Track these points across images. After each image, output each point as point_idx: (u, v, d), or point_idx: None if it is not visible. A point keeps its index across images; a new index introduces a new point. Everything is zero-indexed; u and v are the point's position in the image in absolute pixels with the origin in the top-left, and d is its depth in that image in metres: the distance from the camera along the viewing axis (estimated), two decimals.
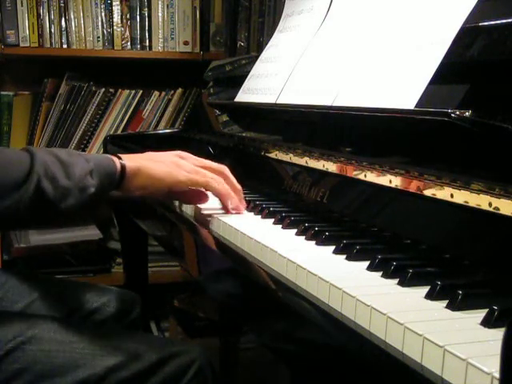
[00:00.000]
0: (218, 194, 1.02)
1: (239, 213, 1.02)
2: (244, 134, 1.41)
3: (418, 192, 0.80)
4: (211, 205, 1.05)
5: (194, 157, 1.06)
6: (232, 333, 1.94)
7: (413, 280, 0.67)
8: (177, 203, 1.15)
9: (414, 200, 0.81)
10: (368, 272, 0.72)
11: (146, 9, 2.24)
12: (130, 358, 0.93)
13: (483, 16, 0.83)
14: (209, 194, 1.05)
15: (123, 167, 0.97)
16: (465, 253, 0.73)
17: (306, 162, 1.06)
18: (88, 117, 2.22)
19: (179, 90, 2.29)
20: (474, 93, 0.79)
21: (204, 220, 1.03)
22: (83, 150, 2.22)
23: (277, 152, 1.17)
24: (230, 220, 0.96)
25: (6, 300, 1.13)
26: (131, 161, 0.99)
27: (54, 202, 0.88)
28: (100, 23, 2.21)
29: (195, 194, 1.06)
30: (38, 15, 2.14)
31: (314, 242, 0.85)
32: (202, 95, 1.84)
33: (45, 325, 0.94)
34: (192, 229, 1.05)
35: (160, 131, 2.12)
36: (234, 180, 1.04)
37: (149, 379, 0.93)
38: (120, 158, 0.98)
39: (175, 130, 2.00)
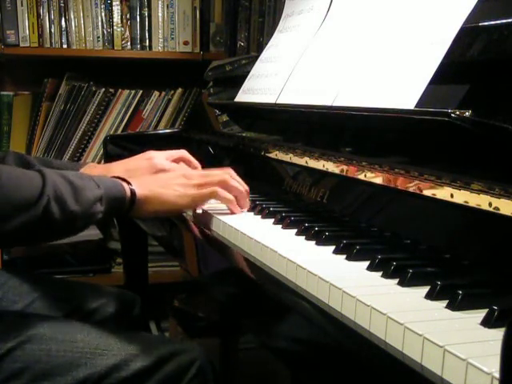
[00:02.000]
0: (225, 203, 1.04)
1: (242, 210, 1.05)
2: (244, 134, 1.41)
3: (418, 192, 0.80)
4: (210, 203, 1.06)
5: (198, 173, 1.09)
6: (232, 333, 1.94)
7: (413, 280, 0.67)
8: None
9: (413, 200, 0.81)
10: (368, 272, 0.73)
11: (146, 9, 2.24)
12: (130, 357, 0.93)
13: (483, 16, 0.83)
14: None
15: (133, 194, 0.98)
16: (465, 253, 0.73)
17: (306, 162, 1.06)
18: (88, 117, 2.22)
19: (179, 90, 2.28)
20: (474, 93, 0.79)
21: (204, 220, 1.03)
22: (83, 151, 2.23)
23: (277, 152, 1.17)
24: (230, 220, 0.96)
25: (6, 300, 1.13)
26: (141, 187, 0.99)
27: (60, 225, 0.89)
28: (100, 23, 2.21)
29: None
30: (38, 15, 2.14)
31: (313, 242, 0.85)
32: (202, 95, 1.84)
33: (45, 324, 0.94)
34: (192, 228, 1.05)
35: (160, 131, 2.12)
36: (238, 181, 1.06)
37: (149, 379, 0.93)
38: (129, 183, 0.99)
39: (175, 129, 2.00)
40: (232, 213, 1.03)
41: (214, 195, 1.02)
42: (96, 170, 1.14)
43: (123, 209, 0.98)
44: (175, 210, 1.04)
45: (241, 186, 1.05)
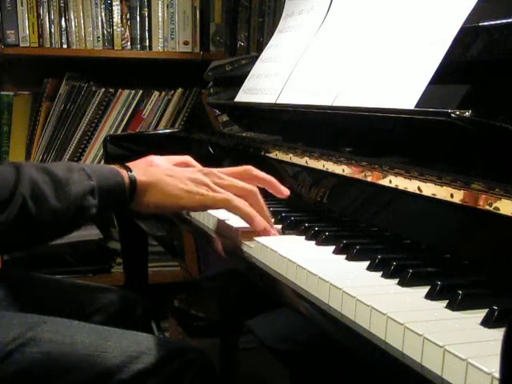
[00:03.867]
0: (240, 215, 0.90)
1: (268, 234, 0.88)
2: (244, 134, 1.41)
3: (418, 192, 0.80)
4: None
5: (219, 174, 0.94)
6: (232, 333, 1.94)
7: (413, 280, 0.67)
8: None
9: (413, 200, 0.81)
10: (368, 272, 0.73)
11: (146, 9, 2.24)
12: (130, 359, 0.92)
13: (483, 16, 0.83)
14: None
15: (133, 181, 0.87)
16: (465, 253, 0.73)
17: (306, 162, 1.06)
18: (88, 117, 2.22)
19: (179, 90, 2.28)
20: (474, 93, 0.79)
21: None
22: (83, 151, 2.22)
23: (277, 152, 1.17)
24: (230, 220, 0.96)
25: (6, 300, 1.12)
26: (143, 173, 0.89)
27: (44, 226, 0.80)
28: (100, 23, 2.21)
29: None
30: (38, 15, 2.14)
31: (314, 242, 0.85)
32: (202, 95, 1.84)
33: (44, 326, 0.93)
34: (191, 228, 1.05)
35: (160, 131, 2.12)
36: (261, 200, 0.93)
37: (149, 380, 0.93)
38: (130, 170, 0.88)
39: (175, 130, 2.00)
40: (254, 229, 0.88)
41: (226, 204, 0.89)
42: None
43: (124, 199, 0.87)
44: (178, 206, 0.92)
45: (264, 206, 0.92)
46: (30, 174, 0.79)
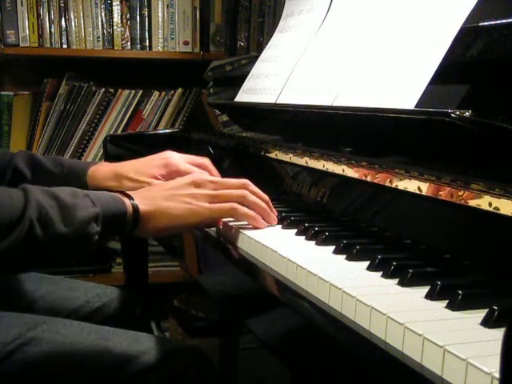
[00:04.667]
0: (246, 220, 0.93)
1: (271, 225, 0.95)
2: (244, 134, 1.40)
3: (418, 192, 0.80)
4: None
5: (210, 178, 0.95)
6: (232, 333, 1.94)
7: (413, 280, 0.67)
8: None
9: (413, 200, 0.81)
10: (368, 272, 0.73)
11: (146, 9, 2.24)
12: (130, 358, 0.93)
13: (483, 16, 0.83)
14: None
15: (136, 210, 0.87)
16: (465, 253, 0.73)
17: (306, 162, 1.06)
18: (88, 117, 2.21)
19: (179, 90, 2.28)
20: (474, 93, 0.79)
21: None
22: (83, 151, 2.22)
23: (277, 152, 1.17)
24: (229, 220, 0.96)
25: (6, 300, 1.12)
26: (145, 202, 0.89)
27: (49, 250, 0.79)
28: (100, 23, 2.21)
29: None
30: (38, 15, 2.14)
31: (314, 242, 0.85)
32: (202, 95, 1.84)
33: (45, 326, 0.94)
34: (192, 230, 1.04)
35: (160, 131, 2.12)
36: (260, 192, 0.96)
37: (149, 380, 0.93)
38: (131, 198, 0.88)
39: (175, 129, 2.00)
40: (255, 228, 0.92)
41: (233, 213, 0.92)
42: (106, 169, 1.10)
43: (125, 227, 0.87)
44: (185, 226, 0.92)
45: (261, 201, 0.94)
46: (37, 198, 0.79)
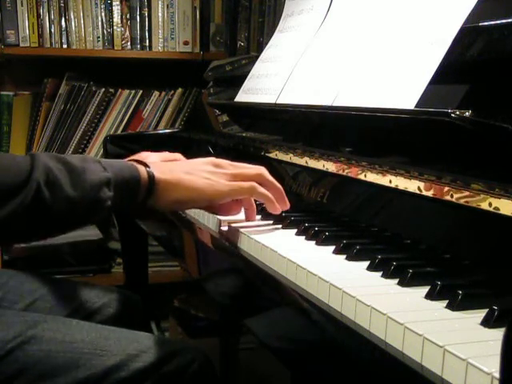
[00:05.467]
0: (264, 200, 0.93)
1: (285, 209, 0.95)
2: (244, 134, 1.41)
3: (418, 192, 0.80)
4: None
5: (229, 162, 0.95)
6: (232, 333, 1.94)
7: (413, 280, 0.67)
8: None
9: (414, 200, 0.81)
10: (368, 272, 0.72)
11: (146, 9, 2.24)
12: (129, 357, 0.93)
13: (483, 16, 0.83)
14: None
15: (151, 177, 0.85)
16: (465, 253, 0.73)
17: (306, 162, 1.06)
18: (88, 117, 2.22)
19: (179, 90, 2.29)
20: (474, 93, 0.79)
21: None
22: (83, 151, 2.22)
23: (277, 152, 1.17)
24: (229, 219, 0.96)
25: (6, 300, 1.13)
26: (161, 171, 0.87)
27: (58, 214, 0.77)
28: (100, 23, 2.21)
29: (232, 206, 0.95)
30: (38, 15, 2.14)
31: (314, 242, 0.85)
32: (202, 95, 1.84)
33: (45, 325, 0.94)
34: (192, 229, 1.05)
35: (160, 131, 2.12)
36: (274, 180, 0.95)
37: (148, 379, 0.93)
38: (147, 166, 0.86)
39: (175, 129, 2.00)
40: (272, 212, 0.93)
41: (252, 191, 0.90)
42: None
43: (139, 195, 0.85)
44: (202, 200, 0.89)
45: (277, 183, 0.95)
46: (45, 162, 0.77)
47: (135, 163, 0.86)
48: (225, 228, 0.96)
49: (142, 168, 0.85)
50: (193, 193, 0.88)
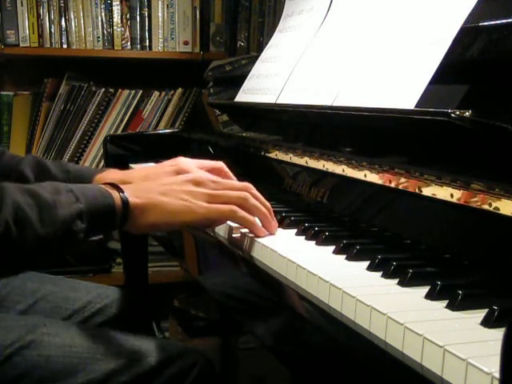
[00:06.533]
0: (245, 225, 0.88)
1: (271, 234, 0.89)
2: (244, 134, 1.41)
3: (418, 192, 0.80)
4: None
5: (212, 178, 0.90)
6: (232, 333, 1.94)
7: (413, 280, 0.67)
8: None
9: (414, 200, 0.81)
10: (368, 272, 0.73)
11: (146, 9, 2.24)
12: (130, 361, 0.92)
13: (483, 16, 0.83)
14: None
15: (125, 203, 0.82)
16: (465, 253, 0.73)
17: (306, 162, 1.06)
18: (88, 117, 2.22)
19: (179, 90, 2.29)
20: (474, 93, 0.79)
21: None
22: (83, 151, 2.22)
23: (277, 152, 1.17)
24: (228, 222, 0.96)
25: (8, 301, 1.12)
26: (136, 194, 0.84)
27: (29, 252, 0.75)
28: (100, 23, 2.21)
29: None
30: (38, 15, 2.14)
31: (314, 242, 0.85)
32: (202, 95, 1.84)
33: (44, 329, 0.93)
34: (192, 231, 1.04)
35: (160, 131, 2.12)
36: (262, 198, 0.91)
37: (151, 382, 0.93)
38: (121, 191, 0.83)
39: (175, 129, 2.00)
40: (255, 236, 0.87)
41: (231, 215, 0.86)
42: (112, 176, 1.05)
43: (114, 222, 0.83)
44: (180, 222, 0.86)
45: (262, 205, 0.89)
46: (14, 197, 0.74)
47: (109, 188, 0.83)
48: (224, 228, 0.96)
49: (116, 194, 0.82)
50: (168, 216, 0.84)
